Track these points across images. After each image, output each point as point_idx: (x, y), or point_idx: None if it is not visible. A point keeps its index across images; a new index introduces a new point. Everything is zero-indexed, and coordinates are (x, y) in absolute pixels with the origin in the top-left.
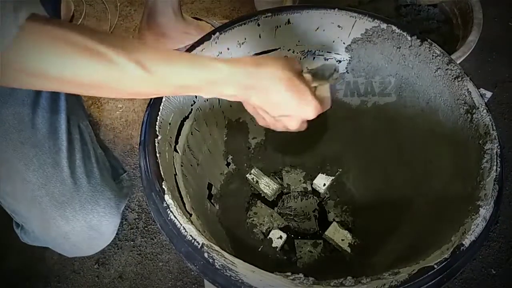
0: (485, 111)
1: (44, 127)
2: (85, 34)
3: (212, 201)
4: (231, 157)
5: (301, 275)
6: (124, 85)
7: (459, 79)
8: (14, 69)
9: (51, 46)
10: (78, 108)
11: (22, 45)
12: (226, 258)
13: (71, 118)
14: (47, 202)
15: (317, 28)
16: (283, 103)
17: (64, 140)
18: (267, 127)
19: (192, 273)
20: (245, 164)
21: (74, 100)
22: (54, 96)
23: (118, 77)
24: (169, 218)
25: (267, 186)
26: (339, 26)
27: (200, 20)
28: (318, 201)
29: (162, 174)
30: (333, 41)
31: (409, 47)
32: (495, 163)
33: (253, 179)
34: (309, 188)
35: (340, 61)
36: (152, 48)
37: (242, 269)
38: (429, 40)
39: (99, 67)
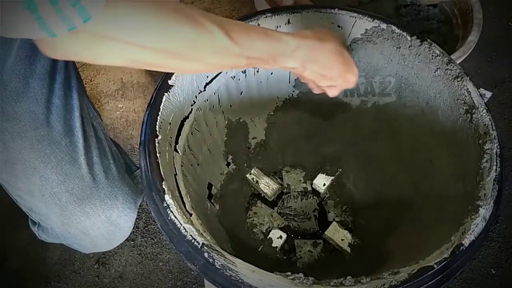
0: (484, 111)
1: (59, 125)
2: (172, 1)
3: (212, 201)
4: (231, 157)
5: (301, 275)
6: (210, 52)
7: (459, 79)
8: (107, 36)
9: (147, 8)
10: (90, 107)
11: (115, 8)
12: (226, 258)
13: (84, 117)
14: (67, 198)
15: None
16: (333, 76)
17: (80, 138)
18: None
19: (192, 273)
20: (245, 164)
21: (86, 99)
22: (67, 95)
23: (208, 43)
24: (169, 218)
25: (267, 186)
26: (339, 26)
27: None
28: (318, 201)
29: (162, 174)
30: None
31: (409, 47)
32: (494, 163)
33: (253, 179)
34: (309, 188)
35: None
36: (232, 21)
37: (242, 269)
38: (429, 40)
39: (192, 31)
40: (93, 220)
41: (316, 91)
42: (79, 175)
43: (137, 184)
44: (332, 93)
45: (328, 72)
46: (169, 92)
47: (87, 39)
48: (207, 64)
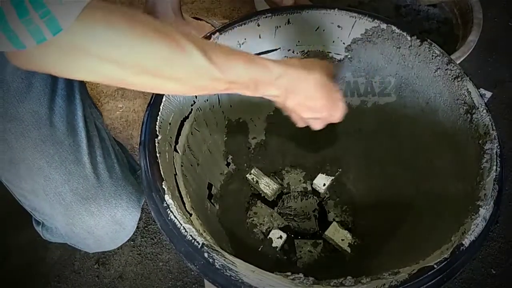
0: (484, 111)
1: (63, 125)
2: (151, 18)
3: (212, 201)
4: (231, 157)
5: (301, 275)
6: (186, 72)
7: (459, 79)
8: (78, 49)
9: (122, 23)
10: (92, 107)
11: (88, 22)
12: (226, 258)
13: (87, 116)
14: (71, 198)
15: (317, 28)
16: (318, 109)
17: (83, 137)
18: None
19: (192, 273)
20: (245, 164)
21: (88, 100)
22: (69, 94)
23: (183, 62)
24: (169, 218)
25: (267, 186)
26: (339, 26)
27: (200, 20)
28: (318, 201)
29: (162, 174)
30: (333, 41)
31: (409, 47)
32: (495, 163)
33: (253, 179)
34: (309, 188)
35: (340, 61)
36: (213, 42)
37: (242, 269)
38: (428, 40)
39: (166, 48)
40: (98, 220)
41: (299, 123)
42: (83, 175)
43: (140, 183)
44: (315, 126)
45: (310, 103)
46: None
47: (58, 52)
48: (186, 85)
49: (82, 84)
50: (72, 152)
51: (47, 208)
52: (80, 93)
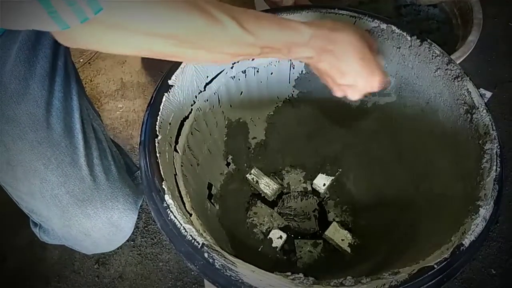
0: (485, 111)
1: (60, 127)
2: None
3: (212, 201)
4: (231, 157)
5: (301, 275)
6: (222, 42)
7: (459, 79)
8: (119, 26)
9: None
10: (89, 108)
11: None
12: (226, 258)
13: (84, 118)
14: (67, 200)
15: None
16: (352, 72)
17: (80, 139)
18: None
19: (192, 273)
20: (245, 164)
21: (85, 101)
22: (67, 96)
23: (219, 33)
24: (169, 218)
25: (267, 186)
26: None
27: None
28: (318, 201)
29: (162, 174)
30: None
31: (409, 47)
32: (495, 163)
33: (253, 179)
34: (309, 188)
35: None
36: (243, 9)
37: (242, 269)
38: (429, 40)
39: (202, 21)
40: (94, 222)
41: (336, 92)
42: (80, 177)
43: (138, 185)
44: (353, 95)
45: (345, 66)
46: (169, 92)
47: (98, 29)
48: (221, 53)
49: (80, 85)
50: (69, 154)
51: (44, 210)
52: (77, 94)
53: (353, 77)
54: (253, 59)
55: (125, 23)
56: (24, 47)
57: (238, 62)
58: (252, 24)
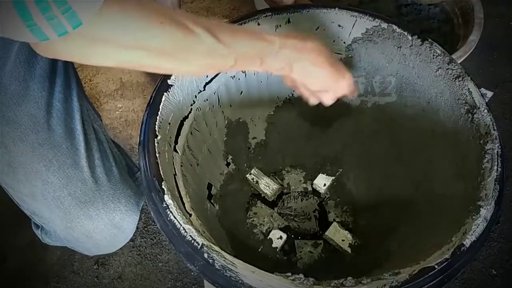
0: (486, 111)
1: (60, 128)
2: (160, 5)
3: (212, 201)
4: (231, 157)
5: (301, 275)
6: (198, 53)
7: (460, 79)
8: (99, 39)
9: (137, 12)
10: (90, 109)
11: (106, 13)
12: (226, 258)
13: (84, 119)
14: (69, 202)
15: (318, 28)
16: (322, 77)
17: (81, 141)
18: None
19: (192, 273)
20: (245, 164)
21: (85, 102)
22: (67, 97)
23: (195, 45)
24: (168, 219)
25: (267, 186)
26: (339, 26)
27: None
28: (318, 201)
29: (161, 174)
30: (334, 41)
31: (410, 46)
32: (496, 163)
33: (253, 179)
34: (309, 188)
35: (340, 60)
36: (215, 22)
37: (242, 269)
38: (430, 40)
39: (179, 33)
40: (96, 223)
41: (311, 99)
42: (82, 178)
43: (139, 186)
44: (327, 99)
45: (316, 73)
46: (169, 91)
47: (78, 42)
48: (198, 65)
49: (80, 86)
50: (70, 156)
51: (46, 212)
52: (77, 95)
53: (325, 82)
54: (226, 72)
55: (106, 37)
56: (24, 48)
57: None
58: (227, 35)
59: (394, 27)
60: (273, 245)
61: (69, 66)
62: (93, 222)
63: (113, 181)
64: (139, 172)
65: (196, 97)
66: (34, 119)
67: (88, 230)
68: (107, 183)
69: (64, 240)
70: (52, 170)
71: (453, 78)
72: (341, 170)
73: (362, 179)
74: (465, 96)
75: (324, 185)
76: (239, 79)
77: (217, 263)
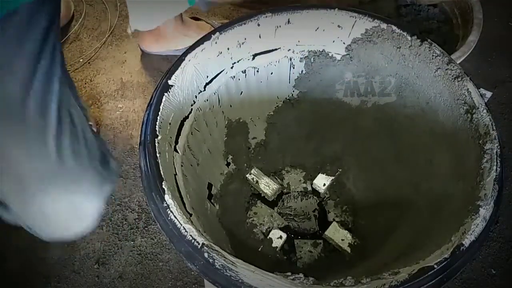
0: (485, 111)
1: (34, 105)
2: None
3: (212, 201)
4: (231, 157)
5: (301, 275)
6: None
7: (459, 79)
8: None
9: None
10: (70, 95)
11: None
12: (226, 258)
13: (62, 103)
14: (30, 178)
15: (317, 28)
16: None
17: (53, 119)
18: None
19: (192, 273)
20: (245, 164)
21: (67, 89)
22: (48, 81)
23: None
24: (169, 218)
25: (267, 186)
26: (339, 26)
27: (200, 20)
28: (318, 201)
29: (162, 174)
30: (333, 41)
31: (409, 47)
32: (495, 163)
33: (253, 179)
34: (309, 188)
35: (340, 60)
36: None
37: (242, 269)
38: (429, 40)
39: None
40: (55, 203)
41: None
42: (46, 155)
43: (110, 175)
44: None
45: None
46: (169, 92)
47: None
48: None
49: (64, 73)
50: (39, 132)
51: (6, 187)
52: (59, 81)
53: None
54: (227, 73)
55: None
56: (13, 26)
57: (238, 62)
58: None
59: (394, 27)
60: (273, 245)
61: (56, 51)
62: (52, 201)
63: (79, 164)
64: (112, 161)
65: (196, 97)
66: (10, 96)
67: (46, 209)
68: (73, 165)
69: (21, 218)
70: (17, 144)
71: (452, 78)
72: (340, 170)
73: (361, 179)
74: (464, 96)
75: (324, 185)
76: (239, 79)
77: (217, 263)
